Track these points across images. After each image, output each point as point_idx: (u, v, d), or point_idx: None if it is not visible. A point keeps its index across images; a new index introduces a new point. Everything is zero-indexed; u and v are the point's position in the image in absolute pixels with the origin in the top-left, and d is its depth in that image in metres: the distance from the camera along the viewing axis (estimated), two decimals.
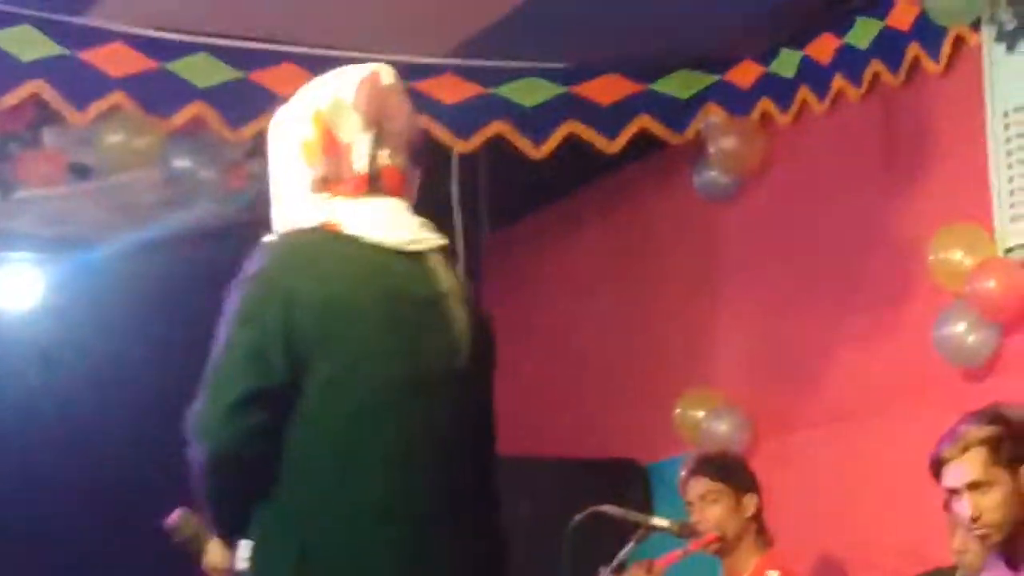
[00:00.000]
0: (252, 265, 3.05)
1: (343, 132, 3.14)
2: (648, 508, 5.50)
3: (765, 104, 6.23)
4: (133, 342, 8.11)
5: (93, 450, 8.58)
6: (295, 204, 3.15)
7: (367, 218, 3.10)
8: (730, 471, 5.14)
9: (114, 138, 5.96)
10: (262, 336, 2.98)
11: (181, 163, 6.14)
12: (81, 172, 6.48)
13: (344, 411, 2.98)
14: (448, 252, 3.22)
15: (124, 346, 8.14)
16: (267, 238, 3.12)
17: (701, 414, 6.41)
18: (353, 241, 3.07)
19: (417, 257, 3.13)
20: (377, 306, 3.04)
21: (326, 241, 3.07)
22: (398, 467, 2.99)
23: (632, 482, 6.52)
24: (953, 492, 3.90)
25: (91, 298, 7.77)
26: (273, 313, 2.99)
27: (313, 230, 3.08)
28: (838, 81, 5.89)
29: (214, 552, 3.28)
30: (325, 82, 3.22)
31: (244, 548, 3.10)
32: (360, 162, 3.13)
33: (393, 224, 3.12)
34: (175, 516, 3.27)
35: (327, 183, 3.13)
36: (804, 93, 6.06)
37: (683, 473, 5.24)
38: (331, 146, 3.14)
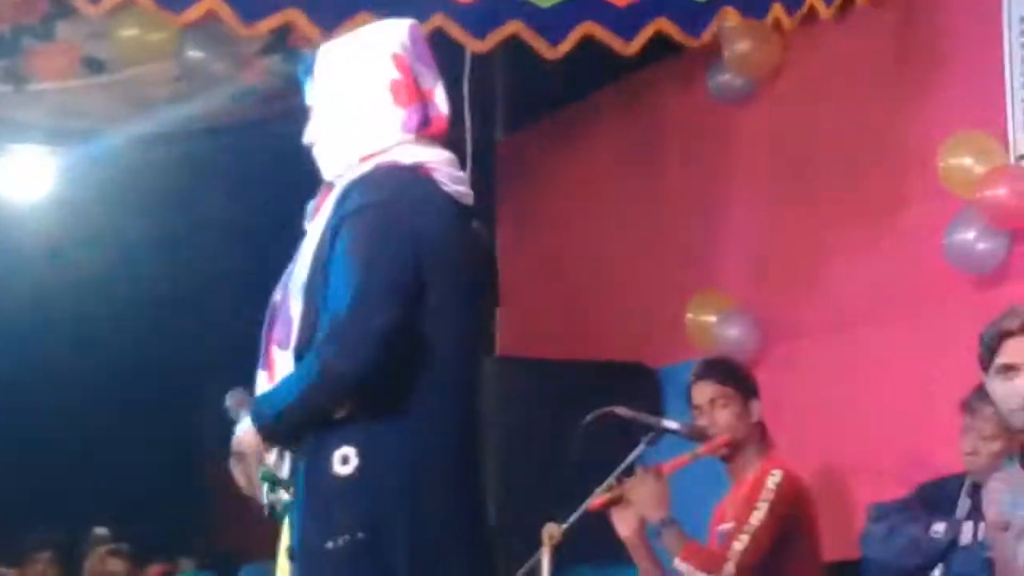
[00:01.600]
0: (368, 195, 3.26)
1: (422, 79, 3.43)
2: (658, 411, 5.52)
3: (777, 8, 6.19)
4: (142, 233, 8.14)
5: (101, 340, 8.63)
6: (379, 138, 3.38)
7: (445, 169, 3.40)
8: (737, 376, 5.17)
9: (128, 32, 5.96)
10: (401, 267, 3.22)
11: (195, 54, 6.12)
12: (94, 65, 6.46)
13: (443, 339, 3.28)
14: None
15: (132, 237, 8.17)
16: (372, 169, 3.32)
17: (712, 318, 6.42)
18: (438, 186, 3.37)
19: (466, 208, 3.45)
20: (462, 248, 3.36)
21: (427, 183, 3.34)
22: (472, 395, 3.37)
23: (642, 385, 6.54)
24: (1009, 369, 3.79)
25: (100, 189, 7.79)
26: (406, 246, 3.23)
27: (413, 170, 3.34)
28: None
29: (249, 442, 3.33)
30: (385, 30, 3.49)
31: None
32: (444, 107, 3.44)
33: (460, 178, 3.45)
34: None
35: (417, 125, 3.38)
36: None
37: (691, 377, 5.26)
38: (417, 91, 3.40)
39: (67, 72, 6.49)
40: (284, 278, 3.43)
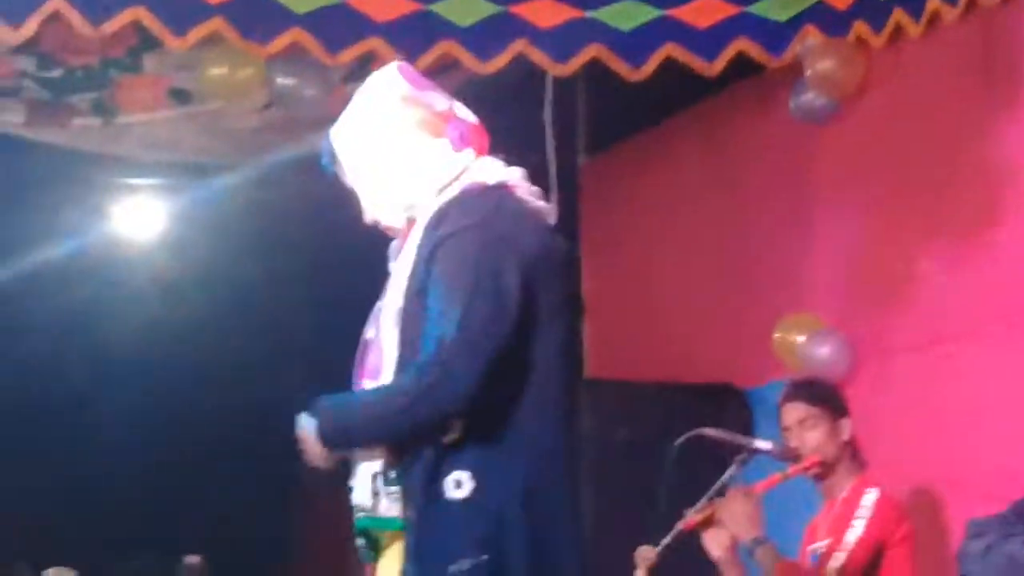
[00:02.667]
0: (464, 217, 3.26)
1: (438, 106, 3.45)
2: (748, 432, 5.49)
3: (860, 26, 6.16)
4: (249, 269, 8.22)
5: (213, 376, 8.72)
6: (442, 170, 3.38)
7: (524, 185, 3.41)
8: (826, 396, 5.15)
9: (217, 70, 6.02)
10: (507, 289, 3.21)
11: (285, 81, 6.17)
12: (181, 96, 6.53)
13: (546, 357, 3.27)
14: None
15: (240, 272, 8.26)
16: (460, 192, 3.34)
17: (801, 338, 6.39)
18: (525, 203, 3.38)
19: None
20: (557, 263, 3.35)
21: (516, 200, 3.36)
22: (573, 415, 3.35)
23: (731, 406, 6.52)
24: None
25: (202, 225, 7.88)
26: (510, 266, 3.23)
27: (499, 188, 3.36)
28: (933, 2, 5.81)
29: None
30: (378, 84, 3.53)
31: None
32: (471, 118, 3.45)
33: (538, 192, 3.46)
34: None
35: (464, 140, 3.41)
36: (899, 15, 5.99)
37: (780, 399, 5.25)
38: (441, 115, 3.42)
39: (154, 104, 6.56)
40: (374, 315, 3.43)
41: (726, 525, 4.85)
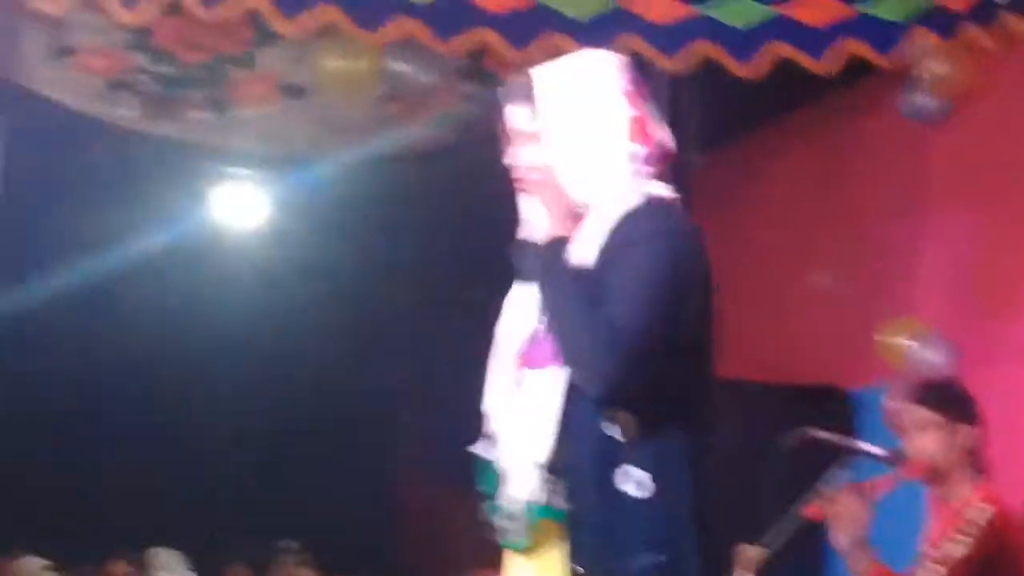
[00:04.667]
0: (654, 228, 3.30)
1: (642, 110, 3.44)
2: (850, 435, 5.44)
3: (971, 28, 6.11)
4: (355, 260, 8.29)
5: (315, 364, 8.81)
6: (621, 174, 3.38)
7: (679, 204, 3.44)
8: (946, 401, 5.04)
9: (332, 63, 6.05)
10: (686, 298, 3.26)
11: (400, 67, 6.19)
12: (294, 92, 6.59)
13: (708, 367, 3.35)
14: None
15: (347, 263, 8.33)
16: (645, 202, 3.35)
17: (906, 341, 6.34)
18: (688, 219, 3.42)
19: None
20: (711, 278, 3.39)
21: (685, 218, 3.40)
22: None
23: (835, 408, 6.49)
24: None
25: (311, 216, 7.96)
26: (693, 279, 3.29)
27: (674, 204, 3.40)
28: None
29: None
30: (608, 66, 3.48)
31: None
32: (671, 144, 3.47)
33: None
34: None
35: (651, 162, 3.42)
36: (1009, 19, 5.93)
37: (897, 400, 5.18)
38: (642, 122, 3.43)
39: (267, 99, 6.62)
40: (532, 308, 3.42)
41: (835, 523, 4.81)
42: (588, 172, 3.40)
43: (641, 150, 3.41)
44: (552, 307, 3.31)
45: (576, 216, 3.41)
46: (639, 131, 3.42)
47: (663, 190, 3.41)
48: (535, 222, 3.47)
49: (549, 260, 3.34)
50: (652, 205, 3.36)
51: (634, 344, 3.18)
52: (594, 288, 3.27)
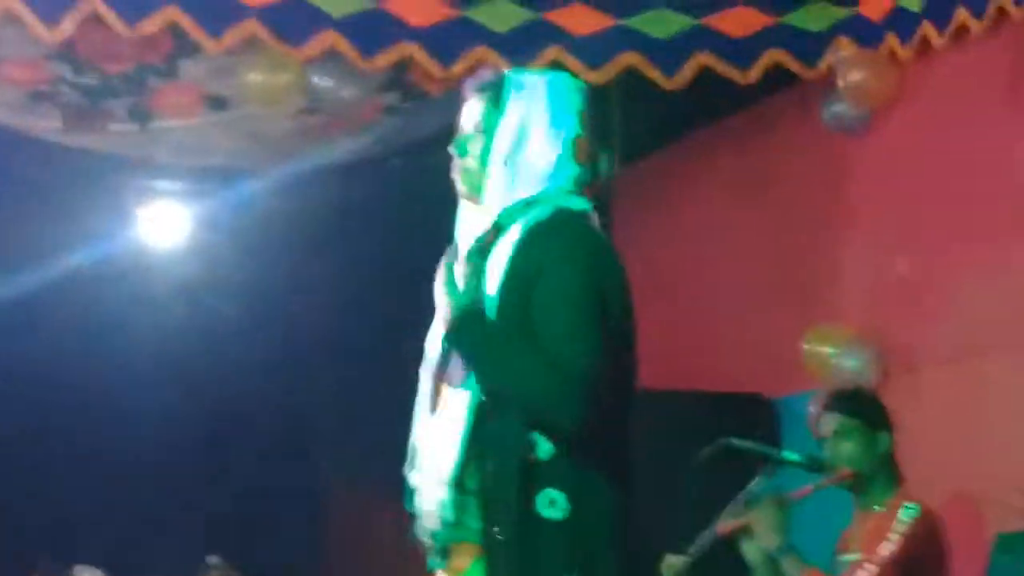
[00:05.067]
0: (564, 244, 3.30)
1: (593, 142, 3.46)
2: (775, 443, 5.49)
3: (891, 38, 6.17)
4: (278, 274, 8.27)
5: (238, 380, 8.77)
6: (549, 186, 3.39)
7: (594, 217, 3.44)
8: (864, 408, 5.10)
9: (254, 76, 6.04)
10: (615, 319, 3.27)
11: (323, 83, 6.18)
12: (217, 104, 6.56)
13: (628, 380, 3.34)
14: None
15: (270, 278, 8.31)
16: (553, 215, 3.35)
17: (830, 349, 6.38)
18: (599, 230, 3.42)
19: None
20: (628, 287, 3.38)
21: (594, 229, 3.40)
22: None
23: (759, 416, 6.52)
24: None
25: (233, 231, 7.92)
26: (616, 296, 3.29)
27: (585, 217, 3.40)
28: (960, 14, 5.81)
29: None
30: (572, 84, 3.50)
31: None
32: (606, 172, 3.56)
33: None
34: None
35: (582, 185, 3.42)
36: (927, 27, 5.99)
37: (817, 408, 5.22)
38: (592, 152, 3.45)
39: (191, 110, 6.59)
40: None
41: (756, 533, 4.84)
42: (522, 180, 3.39)
43: (578, 170, 3.42)
44: (491, 374, 3.27)
45: (493, 224, 3.40)
46: (581, 152, 3.43)
47: (574, 202, 3.41)
48: (465, 225, 3.47)
49: (467, 331, 3.30)
50: (559, 217, 3.35)
51: (588, 379, 3.18)
52: (511, 316, 3.26)
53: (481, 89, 3.47)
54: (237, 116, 6.61)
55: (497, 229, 3.39)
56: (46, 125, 6.63)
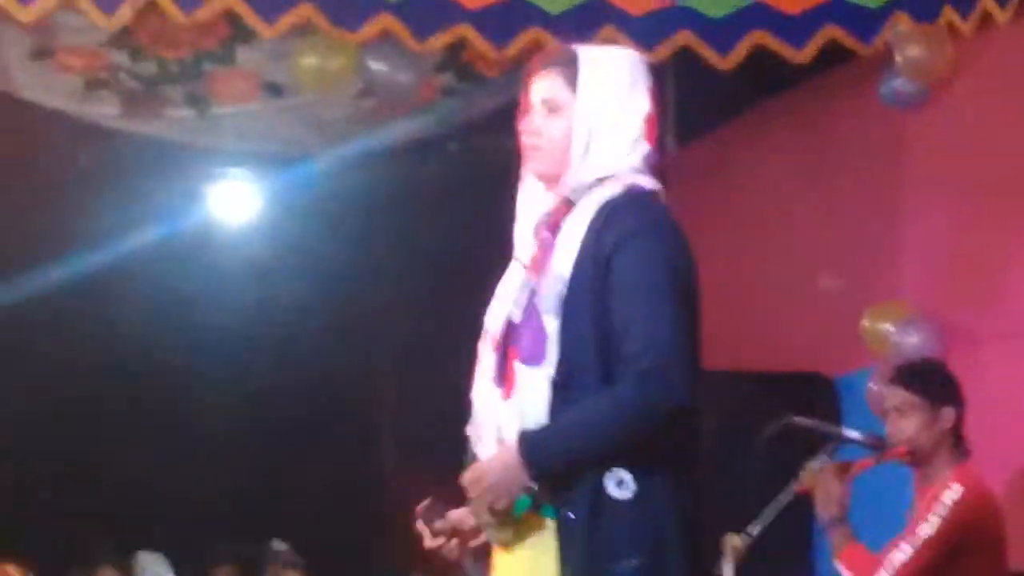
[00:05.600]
0: (646, 218, 3.30)
1: (661, 119, 3.47)
2: (835, 421, 5.47)
3: (949, 12, 6.12)
4: (339, 256, 8.30)
5: (304, 361, 8.81)
6: (620, 166, 3.38)
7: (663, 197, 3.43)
8: (927, 382, 5.05)
9: (308, 60, 6.06)
10: (694, 293, 3.30)
11: (378, 67, 6.18)
12: (274, 90, 6.59)
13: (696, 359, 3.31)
14: None
15: (330, 260, 8.34)
16: (625, 192, 3.34)
17: (889, 326, 6.35)
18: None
19: None
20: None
21: (665, 207, 3.39)
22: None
23: (819, 395, 6.51)
24: None
25: (296, 215, 7.97)
26: (691, 271, 3.31)
27: (657, 196, 3.39)
28: None
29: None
30: (640, 61, 3.49)
31: None
32: (663, 152, 3.55)
33: None
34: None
35: (652, 163, 3.41)
36: (986, 1, 5.94)
37: (879, 384, 5.19)
38: (661, 130, 3.48)
39: (248, 96, 6.63)
40: (514, 293, 3.41)
41: (816, 499, 4.83)
42: (598, 157, 3.38)
43: (648, 148, 3.42)
44: (590, 455, 3.24)
45: (563, 200, 3.41)
46: (650, 130, 3.43)
47: (645, 181, 3.40)
48: (528, 202, 3.47)
49: (539, 450, 3.25)
50: (632, 195, 3.35)
51: (684, 351, 3.21)
52: (584, 292, 3.25)
53: (552, 66, 3.45)
54: (294, 102, 6.64)
55: (568, 205, 3.39)
56: (104, 111, 6.68)
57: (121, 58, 6.33)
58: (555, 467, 3.24)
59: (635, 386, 3.20)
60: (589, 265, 3.28)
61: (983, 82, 6.24)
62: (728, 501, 4.52)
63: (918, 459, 4.96)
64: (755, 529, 4.57)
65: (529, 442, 3.24)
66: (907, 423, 4.96)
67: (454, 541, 3.42)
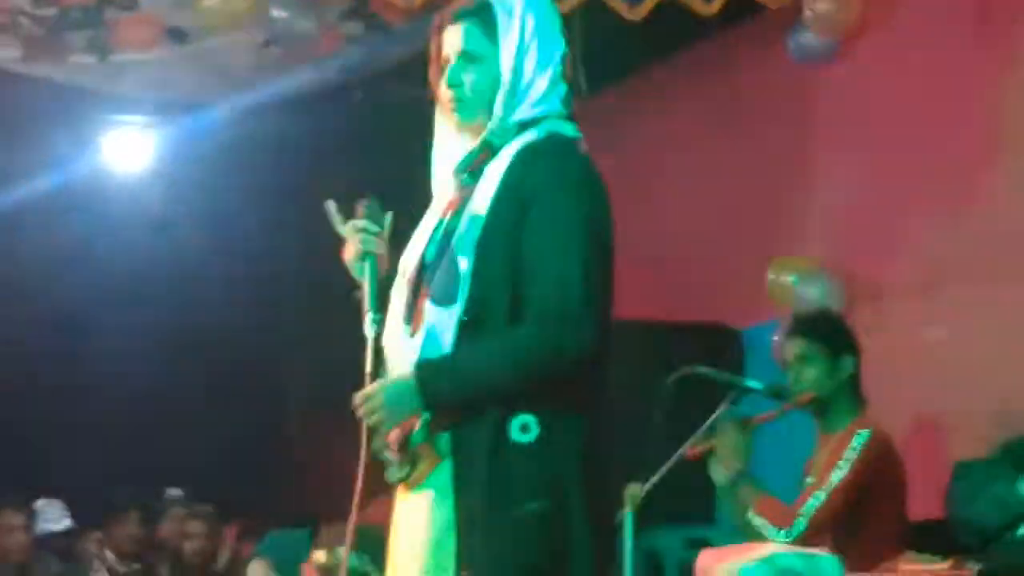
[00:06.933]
0: (560, 167, 3.29)
1: (574, 57, 3.45)
2: (740, 372, 5.50)
3: None
4: (237, 204, 8.24)
5: (194, 306, 8.76)
6: (542, 108, 3.36)
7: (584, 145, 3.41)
8: (827, 332, 5.10)
9: (210, 1, 6.00)
10: (608, 244, 3.28)
11: (280, 14, 6.13)
12: (178, 36, 6.51)
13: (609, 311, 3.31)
14: None
15: (230, 210, 8.27)
16: (546, 139, 3.33)
17: (793, 278, 6.40)
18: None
19: None
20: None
21: (590, 159, 3.36)
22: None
23: (725, 346, 6.54)
24: None
25: (197, 163, 7.90)
26: (608, 222, 3.30)
27: (578, 144, 3.37)
28: None
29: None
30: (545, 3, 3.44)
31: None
32: (582, 92, 3.32)
33: None
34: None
35: (570, 104, 3.40)
36: None
37: (781, 334, 5.22)
38: (575, 69, 3.48)
39: (151, 42, 6.54)
40: (430, 234, 3.39)
41: (718, 456, 4.87)
42: (523, 102, 3.36)
43: (566, 88, 3.40)
44: (496, 389, 3.23)
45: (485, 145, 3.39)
46: (568, 69, 3.42)
47: (567, 127, 3.39)
48: (446, 148, 3.45)
49: (434, 379, 3.23)
50: (553, 141, 3.34)
51: (593, 298, 3.19)
52: (501, 236, 3.24)
53: (464, 15, 3.42)
54: (198, 49, 6.57)
55: (490, 151, 3.38)
56: (5, 55, 6.58)
57: (22, 1, 6.23)
58: (448, 398, 3.23)
59: (538, 328, 3.20)
60: (507, 209, 3.27)
61: (889, 39, 6.27)
62: (631, 451, 4.56)
63: (819, 408, 5.01)
64: (655, 479, 4.59)
65: (425, 369, 3.23)
66: (808, 372, 5.01)
67: None
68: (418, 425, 3.27)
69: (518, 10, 3.40)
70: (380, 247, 3.43)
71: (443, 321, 3.27)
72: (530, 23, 3.38)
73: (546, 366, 3.20)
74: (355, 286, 3.46)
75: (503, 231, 3.25)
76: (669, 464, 4.70)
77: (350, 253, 3.45)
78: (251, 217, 8.47)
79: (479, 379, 3.22)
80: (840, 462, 4.83)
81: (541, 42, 3.38)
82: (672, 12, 6.17)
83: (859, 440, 4.87)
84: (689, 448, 4.78)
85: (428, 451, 3.29)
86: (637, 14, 6.09)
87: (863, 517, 4.83)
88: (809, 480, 4.95)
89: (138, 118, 7.76)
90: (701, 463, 4.85)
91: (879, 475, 4.89)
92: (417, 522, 3.33)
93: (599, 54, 7.28)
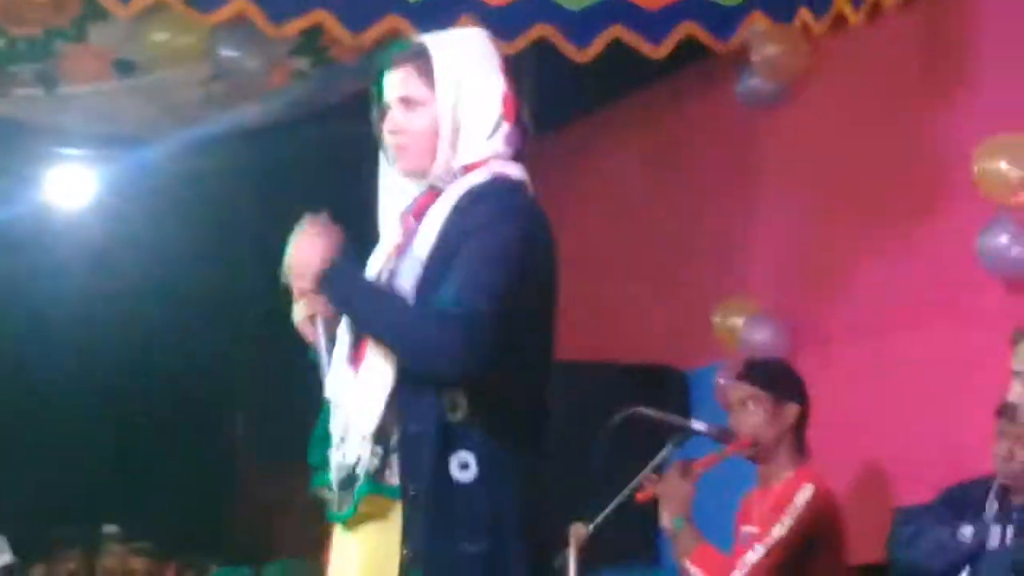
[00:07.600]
0: (504, 208, 3.30)
1: (517, 95, 3.43)
2: (685, 414, 5.50)
3: (804, 12, 6.19)
4: (184, 240, 8.20)
5: (137, 343, 8.70)
6: (485, 150, 3.37)
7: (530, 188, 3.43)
8: (772, 378, 5.11)
9: (159, 36, 5.99)
10: (537, 286, 3.29)
11: (228, 53, 6.12)
12: (126, 68, 6.48)
13: (549, 350, 3.36)
14: None
15: (173, 245, 8.23)
16: (490, 180, 3.34)
17: (739, 321, 6.41)
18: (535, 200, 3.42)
19: None
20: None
21: (531, 198, 3.39)
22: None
23: (670, 388, 6.54)
24: (1018, 375, 3.81)
25: (141, 197, 7.86)
26: (543, 267, 3.31)
27: (524, 187, 3.39)
28: None
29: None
30: (487, 39, 3.46)
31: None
32: (531, 128, 3.46)
33: None
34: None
35: (517, 143, 3.40)
36: (840, 2, 6.02)
37: (724, 378, 5.23)
38: (516, 107, 3.41)
39: (99, 75, 6.51)
40: (375, 276, 3.40)
41: (661, 502, 4.86)
42: (464, 145, 3.36)
43: (508, 127, 3.40)
44: (369, 324, 3.30)
45: (430, 188, 3.40)
46: (508, 108, 3.40)
47: (512, 169, 3.39)
48: (392, 189, 3.45)
49: (345, 282, 3.33)
50: (497, 183, 3.34)
51: (477, 325, 3.17)
52: (431, 273, 3.25)
53: (401, 60, 3.41)
54: (145, 82, 6.54)
55: (435, 192, 3.38)
56: None
57: None
58: (337, 296, 3.32)
59: (433, 319, 3.21)
60: (445, 249, 3.27)
61: (836, 84, 6.31)
62: (574, 491, 4.55)
63: (761, 454, 5.02)
64: (599, 520, 4.59)
65: (341, 264, 3.31)
66: (750, 417, 5.01)
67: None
68: (362, 479, 3.28)
69: (452, 52, 3.40)
70: (325, 306, 3.42)
71: (383, 363, 3.28)
72: (464, 64, 3.39)
73: (418, 355, 3.23)
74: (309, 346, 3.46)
75: (440, 272, 3.26)
76: (614, 504, 4.69)
77: (298, 316, 3.44)
78: (197, 252, 8.42)
79: (364, 311, 3.30)
80: (784, 517, 4.83)
81: (478, 82, 3.38)
82: (621, 55, 6.18)
83: (803, 496, 4.87)
84: (639, 492, 4.77)
85: (377, 498, 3.29)
86: (586, 56, 6.11)
87: (801, 571, 4.83)
88: (747, 529, 4.94)
89: (82, 151, 7.71)
90: (647, 504, 4.85)
91: (820, 528, 4.89)
92: (357, 561, 3.31)
93: (548, 95, 7.31)
